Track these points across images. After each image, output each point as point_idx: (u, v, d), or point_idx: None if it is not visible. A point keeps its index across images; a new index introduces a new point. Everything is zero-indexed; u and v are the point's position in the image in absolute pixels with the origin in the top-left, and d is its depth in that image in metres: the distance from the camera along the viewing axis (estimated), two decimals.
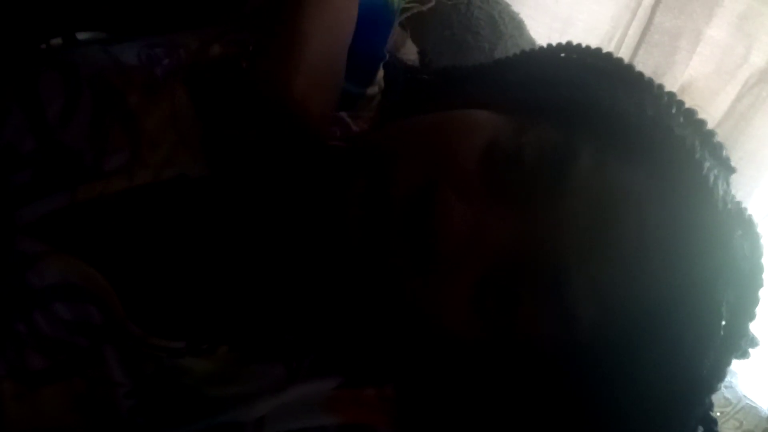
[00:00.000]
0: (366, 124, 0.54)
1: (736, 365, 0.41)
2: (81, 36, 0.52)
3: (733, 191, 0.43)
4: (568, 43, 0.47)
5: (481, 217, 0.38)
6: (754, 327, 0.41)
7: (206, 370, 0.43)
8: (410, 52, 0.60)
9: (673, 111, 0.42)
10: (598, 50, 0.46)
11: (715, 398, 0.41)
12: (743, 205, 0.43)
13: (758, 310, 0.39)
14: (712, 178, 0.39)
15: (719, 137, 0.43)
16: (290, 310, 0.46)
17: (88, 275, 0.43)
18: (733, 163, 0.44)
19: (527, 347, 0.40)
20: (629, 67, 0.45)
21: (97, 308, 0.43)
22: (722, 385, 0.39)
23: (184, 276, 0.46)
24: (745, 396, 1.02)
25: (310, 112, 0.46)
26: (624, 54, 1.17)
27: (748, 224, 0.41)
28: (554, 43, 0.48)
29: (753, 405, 1.01)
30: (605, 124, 0.40)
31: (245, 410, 0.41)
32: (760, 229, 0.41)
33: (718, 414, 0.93)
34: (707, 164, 0.39)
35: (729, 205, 0.40)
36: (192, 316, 0.45)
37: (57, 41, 0.52)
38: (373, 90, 0.55)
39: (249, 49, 0.50)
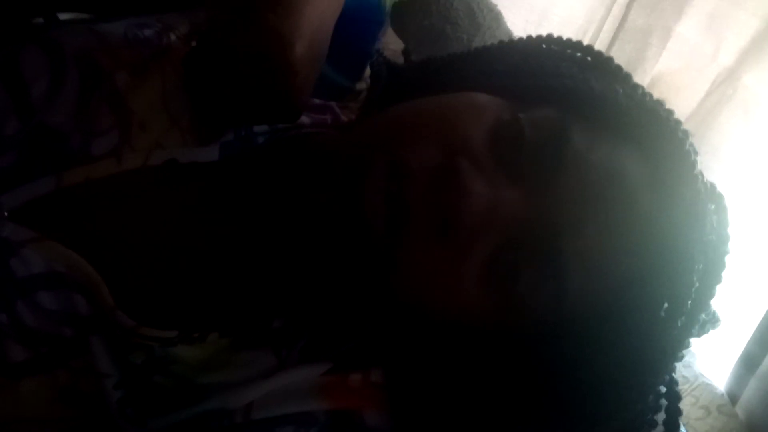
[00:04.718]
0: (353, 115, 0.55)
1: (694, 346, 0.43)
2: (63, 17, 0.51)
3: None
4: (549, 35, 0.49)
5: (495, 192, 0.40)
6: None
7: (197, 357, 0.43)
8: (391, 41, 0.61)
9: (647, 99, 0.45)
10: (579, 42, 0.48)
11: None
12: None
13: (724, 274, 0.42)
14: (693, 155, 0.42)
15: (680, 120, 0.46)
16: (278, 294, 0.46)
17: (75, 263, 0.42)
18: (699, 158, 0.46)
19: (522, 319, 0.42)
20: (609, 59, 0.47)
21: (83, 298, 0.42)
22: (681, 364, 0.42)
23: (174, 263, 0.45)
24: (701, 374, 1.06)
25: (301, 77, 0.45)
26: (598, 48, 1.19)
27: (719, 198, 0.44)
28: (534, 35, 0.50)
29: (708, 383, 1.06)
30: (595, 106, 0.43)
31: (234, 397, 0.42)
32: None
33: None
34: (688, 142, 0.42)
35: (705, 179, 0.43)
36: (183, 304, 0.44)
37: (38, 21, 0.50)
38: (360, 85, 0.56)
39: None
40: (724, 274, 0.42)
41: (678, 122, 0.44)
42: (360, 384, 0.44)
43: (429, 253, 0.39)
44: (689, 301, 0.41)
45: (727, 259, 0.42)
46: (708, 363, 1.10)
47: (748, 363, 1.04)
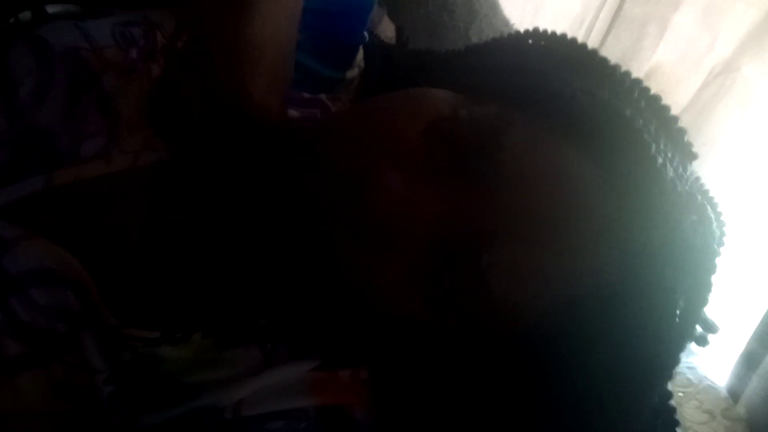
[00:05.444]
0: (345, 107, 0.54)
1: (697, 347, 0.41)
2: (51, 9, 0.49)
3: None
4: (535, 30, 0.47)
5: (419, 195, 0.38)
6: (714, 311, 0.41)
7: (182, 357, 0.42)
8: (387, 30, 0.59)
9: (635, 95, 0.42)
10: (563, 36, 0.46)
11: (678, 378, 0.42)
12: (705, 189, 0.42)
13: (711, 296, 0.39)
14: (660, 160, 0.38)
15: (682, 123, 0.43)
16: (260, 292, 0.46)
17: (65, 260, 0.42)
18: (695, 150, 0.43)
19: (469, 330, 0.41)
20: (592, 53, 0.44)
21: (74, 294, 0.42)
22: (685, 366, 0.40)
23: (159, 262, 0.45)
24: (705, 377, 1.04)
25: (270, 112, 0.46)
26: (594, 38, 1.19)
27: (701, 209, 0.40)
28: (523, 30, 0.48)
29: (713, 385, 1.03)
30: (551, 106, 0.40)
31: (223, 394, 0.41)
32: (715, 213, 0.41)
33: (681, 394, 0.96)
34: (656, 146, 0.39)
35: (679, 188, 0.39)
36: (166, 304, 0.44)
37: (26, 15, 0.49)
38: (352, 73, 0.54)
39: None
40: (710, 295, 0.39)
41: (666, 122, 0.41)
42: (349, 380, 0.44)
43: (347, 253, 0.39)
44: (671, 325, 0.38)
45: (714, 278, 0.39)
46: (710, 362, 1.08)
47: (750, 361, 1.03)
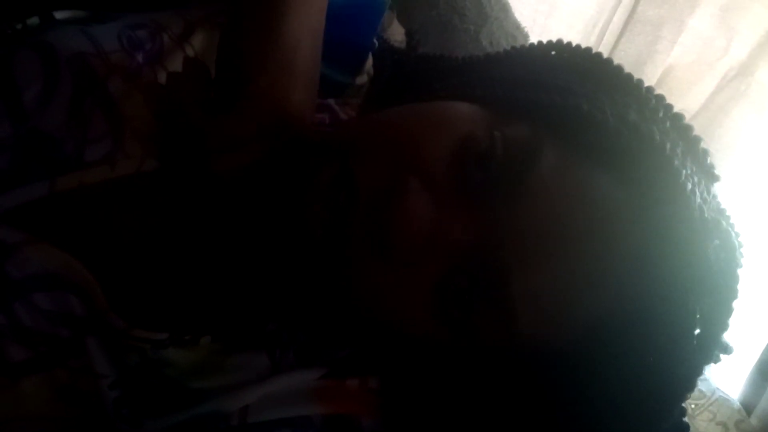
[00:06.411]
0: (354, 111, 0.53)
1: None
2: (59, 15, 0.49)
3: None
4: (559, 41, 0.46)
5: (445, 215, 0.37)
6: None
7: (189, 361, 0.42)
8: (397, 33, 0.59)
9: (660, 115, 0.41)
10: (588, 50, 0.45)
11: None
12: (726, 213, 0.42)
13: (732, 321, 0.39)
14: (689, 186, 0.38)
15: (700, 136, 0.42)
16: (269, 297, 0.45)
17: (69, 265, 0.41)
18: (717, 173, 0.43)
19: (488, 350, 0.40)
20: (617, 69, 0.44)
21: (78, 298, 0.41)
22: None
23: (166, 267, 0.45)
24: (718, 388, 1.03)
25: (305, 120, 0.45)
26: (608, 40, 1.17)
27: (725, 234, 0.40)
28: (546, 41, 0.47)
29: (726, 397, 1.03)
30: (581, 128, 0.39)
31: (229, 400, 0.41)
32: (737, 239, 0.41)
33: (693, 406, 0.95)
34: (685, 172, 0.38)
35: (706, 214, 0.39)
36: (174, 306, 0.44)
37: (34, 21, 0.49)
38: (362, 79, 0.54)
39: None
40: (731, 320, 0.38)
41: (690, 143, 0.40)
42: (357, 390, 0.43)
43: (369, 271, 0.38)
44: (689, 348, 0.38)
45: (735, 303, 0.39)
46: (723, 374, 1.08)
47: (763, 373, 1.03)
